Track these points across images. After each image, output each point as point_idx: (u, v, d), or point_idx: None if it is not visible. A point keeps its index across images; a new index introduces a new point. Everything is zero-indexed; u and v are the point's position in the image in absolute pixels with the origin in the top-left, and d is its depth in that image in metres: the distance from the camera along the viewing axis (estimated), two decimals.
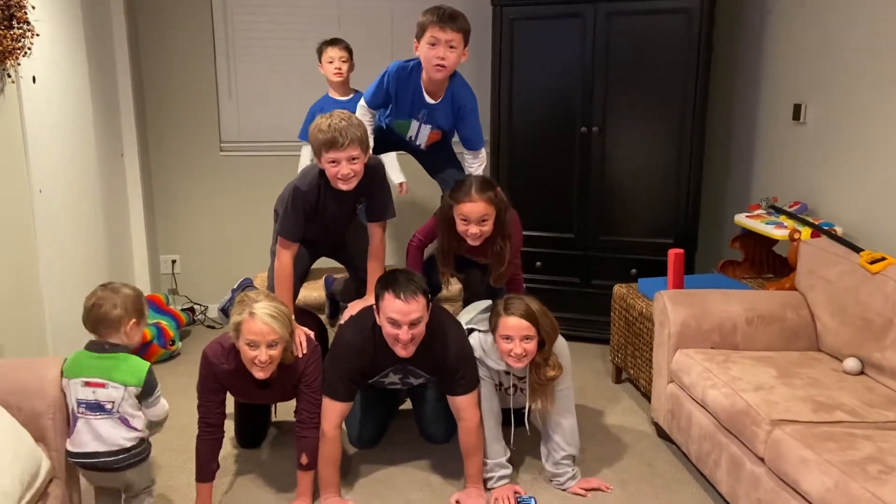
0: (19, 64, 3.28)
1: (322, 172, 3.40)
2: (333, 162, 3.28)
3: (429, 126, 3.84)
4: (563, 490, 3.43)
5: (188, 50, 5.41)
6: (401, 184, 4.86)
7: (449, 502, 3.35)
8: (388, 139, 3.96)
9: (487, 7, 4.88)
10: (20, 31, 3.21)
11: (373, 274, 3.59)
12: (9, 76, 3.23)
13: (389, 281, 3.16)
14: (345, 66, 4.66)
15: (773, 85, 4.75)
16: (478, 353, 3.37)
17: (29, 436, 2.57)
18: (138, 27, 5.30)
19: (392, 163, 4.83)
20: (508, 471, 3.45)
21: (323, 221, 3.55)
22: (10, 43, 3.13)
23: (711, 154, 5.19)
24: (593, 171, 4.87)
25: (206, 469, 3.22)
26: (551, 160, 4.95)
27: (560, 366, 3.31)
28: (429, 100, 3.72)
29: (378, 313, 3.20)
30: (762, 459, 2.91)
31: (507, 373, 3.41)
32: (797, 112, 4.45)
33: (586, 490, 3.42)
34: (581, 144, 4.85)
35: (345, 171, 3.29)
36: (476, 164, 3.90)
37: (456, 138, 3.99)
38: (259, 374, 3.07)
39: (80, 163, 4.11)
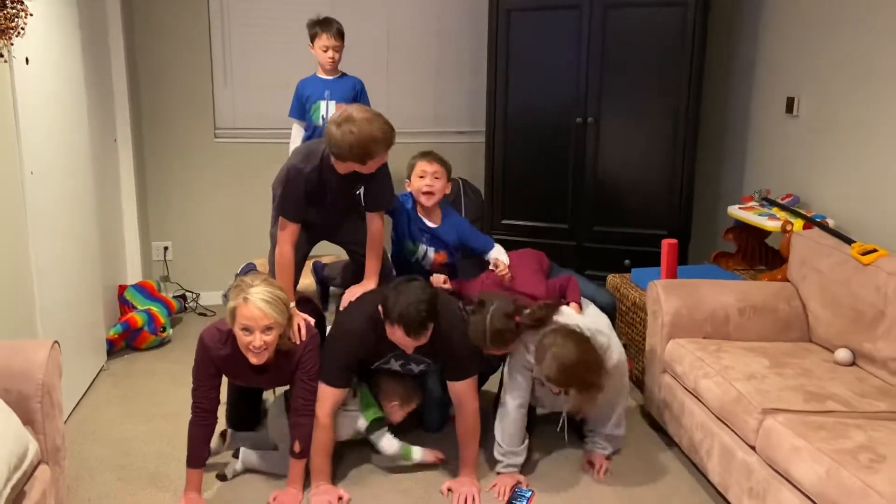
0: (12, 44, 3.24)
1: (324, 155, 3.35)
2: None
3: (433, 248, 3.96)
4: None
5: (183, 35, 5.37)
6: None
7: (441, 490, 3.35)
8: (401, 263, 4.05)
9: None
10: (13, 10, 3.17)
11: (371, 264, 3.55)
12: (1, 56, 3.20)
13: (401, 314, 3.06)
14: (337, 55, 4.66)
15: (767, 78, 4.75)
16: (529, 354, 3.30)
17: (16, 418, 2.54)
18: (133, 10, 5.27)
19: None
20: (519, 460, 3.43)
21: (325, 204, 3.50)
22: (3, 22, 3.09)
23: (705, 146, 5.19)
24: (588, 161, 4.86)
25: (197, 455, 3.19)
26: (546, 150, 4.94)
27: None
28: (429, 224, 3.94)
29: (383, 320, 3.17)
30: (753, 448, 2.92)
31: None
32: (790, 105, 4.46)
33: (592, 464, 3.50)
34: (576, 135, 4.84)
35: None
36: (495, 254, 3.94)
37: None
38: (254, 360, 3.05)
39: (73, 146, 4.08)
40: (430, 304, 3.08)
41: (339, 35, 4.64)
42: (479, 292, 3.44)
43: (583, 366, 3.05)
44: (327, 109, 4.72)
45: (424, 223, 3.93)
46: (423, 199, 3.87)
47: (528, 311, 3.27)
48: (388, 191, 3.61)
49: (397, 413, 3.56)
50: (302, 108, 4.75)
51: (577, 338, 3.11)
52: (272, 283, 3.09)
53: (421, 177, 3.84)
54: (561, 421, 3.51)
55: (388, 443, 3.47)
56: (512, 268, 3.77)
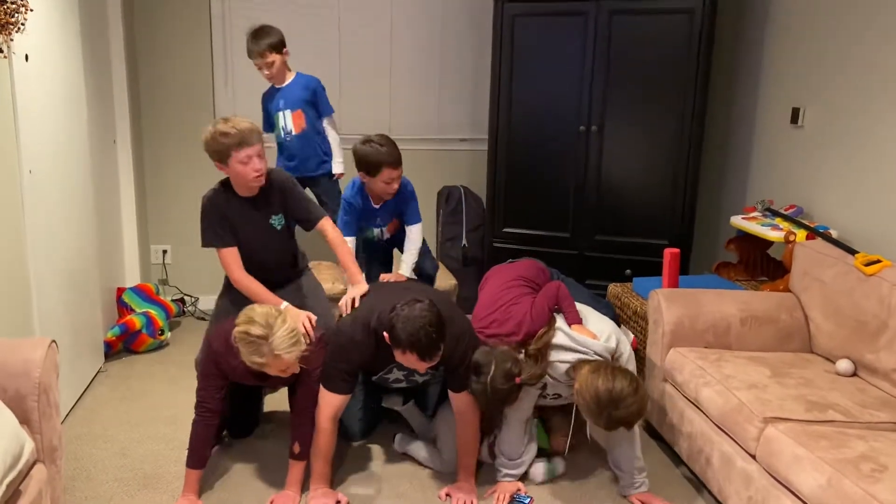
0: (12, 40, 3.23)
1: (224, 183, 3.58)
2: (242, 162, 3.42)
3: (383, 226, 4.16)
4: (625, 496, 3.38)
5: (184, 36, 5.38)
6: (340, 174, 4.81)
7: (439, 495, 3.34)
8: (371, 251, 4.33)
9: (489, 3, 4.88)
10: (14, 5, 3.16)
11: (349, 269, 3.51)
12: (1, 52, 3.18)
13: (411, 342, 3.02)
14: (270, 71, 4.58)
15: (772, 88, 4.74)
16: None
17: (12, 416, 2.52)
18: (134, 10, 5.27)
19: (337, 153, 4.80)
20: (520, 470, 3.41)
21: (244, 235, 3.54)
22: (3, 17, 3.08)
23: (709, 155, 5.18)
24: (591, 169, 4.85)
25: (198, 455, 3.19)
26: (549, 158, 4.93)
27: None
28: (374, 206, 4.05)
29: (379, 331, 3.16)
30: (754, 457, 2.90)
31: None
32: (795, 115, 4.44)
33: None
34: (579, 143, 4.83)
35: (257, 165, 3.41)
36: (412, 245, 4.10)
37: None
38: (282, 375, 3.10)
39: (72, 146, 4.06)
40: (438, 324, 3.07)
41: (270, 48, 4.54)
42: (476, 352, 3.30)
43: (634, 415, 3.04)
44: (285, 121, 4.65)
45: (371, 207, 4.03)
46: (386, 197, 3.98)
47: (526, 369, 3.21)
48: (311, 202, 3.62)
49: (562, 444, 3.59)
50: (271, 124, 4.72)
51: (629, 384, 3.02)
52: (280, 316, 3.03)
53: (387, 182, 3.86)
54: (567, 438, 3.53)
55: (538, 469, 3.51)
56: (491, 281, 3.75)
